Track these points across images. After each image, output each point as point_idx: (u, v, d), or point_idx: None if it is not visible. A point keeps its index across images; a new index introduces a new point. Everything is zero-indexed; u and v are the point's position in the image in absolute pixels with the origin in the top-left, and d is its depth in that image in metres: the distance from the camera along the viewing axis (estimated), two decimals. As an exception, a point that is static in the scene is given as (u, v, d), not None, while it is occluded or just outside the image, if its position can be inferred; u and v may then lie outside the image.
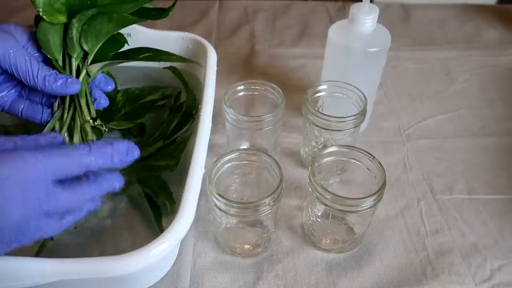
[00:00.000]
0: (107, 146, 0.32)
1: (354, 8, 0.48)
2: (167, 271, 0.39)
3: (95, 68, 0.41)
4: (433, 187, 0.51)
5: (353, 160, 0.43)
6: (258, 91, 0.50)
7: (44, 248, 0.40)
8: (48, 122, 0.40)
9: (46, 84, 0.36)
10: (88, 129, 0.38)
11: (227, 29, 0.78)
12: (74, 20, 0.40)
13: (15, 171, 0.27)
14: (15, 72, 0.36)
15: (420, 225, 0.47)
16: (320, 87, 0.49)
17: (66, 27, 0.40)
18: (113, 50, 0.42)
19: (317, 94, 0.49)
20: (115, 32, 0.41)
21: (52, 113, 0.40)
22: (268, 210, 0.38)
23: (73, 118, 0.39)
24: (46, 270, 0.29)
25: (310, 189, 0.40)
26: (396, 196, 0.50)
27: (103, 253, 0.30)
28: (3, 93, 0.39)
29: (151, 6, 0.44)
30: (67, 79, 0.37)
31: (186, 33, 0.52)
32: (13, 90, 0.40)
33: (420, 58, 0.72)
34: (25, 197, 0.28)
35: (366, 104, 0.45)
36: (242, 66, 0.69)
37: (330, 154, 0.42)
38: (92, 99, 0.40)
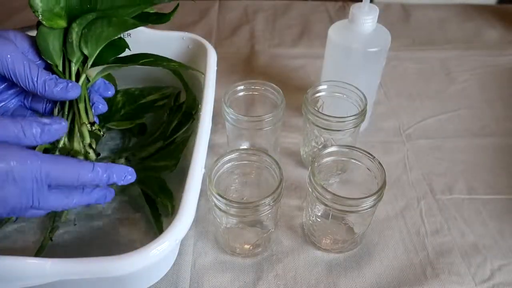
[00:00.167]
0: (109, 169, 0.34)
1: (354, 8, 0.48)
2: (167, 271, 0.39)
3: (94, 71, 0.41)
4: (433, 187, 0.51)
5: (353, 160, 0.43)
6: (258, 91, 0.50)
7: (44, 248, 0.40)
8: None
9: (47, 88, 0.36)
10: (86, 132, 0.38)
11: (227, 29, 0.78)
12: (74, 25, 0.39)
13: (19, 168, 0.29)
14: (13, 78, 0.35)
15: (420, 225, 0.47)
16: (320, 87, 0.49)
17: (66, 32, 0.40)
18: (114, 55, 0.41)
19: (317, 94, 0.49)
20: (115, 37, 0.40)
21: None
22: (268, 210, 0.38)
23: (72, 123, 0.39)
24: (46, 270, 0.29)
25: (310, 189, 0.40)
26: (396, 196, 0.50)
27: (103, 253, 0.30)
28: (5, 102, 0.39)
29: (151, 11, 0.43)
30: (67, 83, 0.37)
31: (186, 33, 0.52)
32: (14, 100, 0.40)
33: (420, 58, 0.72)
34: (20, 192, 0.30)
35: (366, 104, 0.45)
36: (242, 66, 0.70)
37: (330, 154, 0.42)
38: (91, 104, 0.40)
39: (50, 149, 0.38)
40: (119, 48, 0.42)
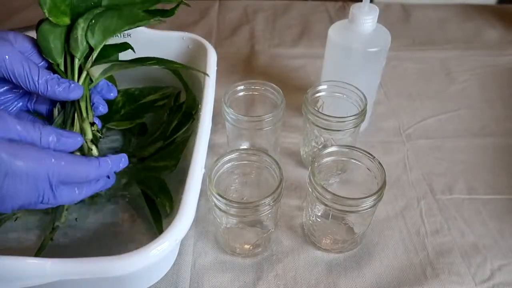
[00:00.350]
0: (110, 161, 0.36)
1: (354, 8, 0.48)
2: (167, 271, 0.39)
3: (97, 72, 0.41)
4: (433, 187, 0.51)
5: (353, 160, 0.43)
6: (258, 91, 0.50)
7: (44, 248, 0.40)
8: None
9: (49, 88, 0.36)
10: (88, 129, 0.38)
11: (227, 29, 0.78)
12: (80, 20, 0.40)
13: (33, 167, 0.30)
14: (13, 78, 0.35)
15: (420, 225, 0.47)
16: (320, 87, 0.49)
17: (69, 31, 0.40)
18: (117, 51, 0.42)
19: (317, 94, 0.49)
20: (123, 30, 0.41)
21: (53, 120, 0.40)
22: (268, 210, 0.38)
23: (72, 124, 0.39)
24: (46, 270, 0.29)
25: (310, 189, 0.40)
26: (396, 196, 0.50)
27: (103, 253, 0.30)
28: (7, 104, 0.39)
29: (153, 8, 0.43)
30: (70, 84, 0.37)
31: (186, 33, 0.52)
32: (18, 103, 0.40)
33: (420, 58, 0.72)
34: (31, 190, 0.31)
35: (366, 104, 0.45)
36: (242, 66, 0.70)
37: (330, 154, 0.42)
38: (91, 104, 0.40)
39: None
40: (123, 47, 0.43)
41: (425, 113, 0.61)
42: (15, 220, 0.43)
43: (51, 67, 0.40)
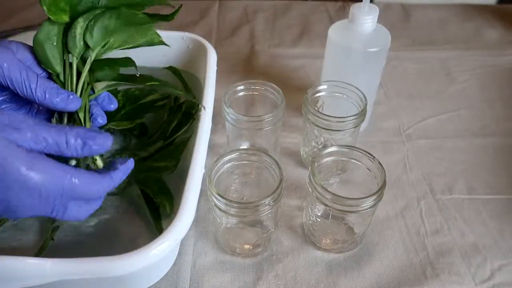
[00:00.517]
0: (120, 172, 0.35)
1: (354, 8, 0.48)
2: (167, 271, 0.39)
3: (100, 84, 0.41)
4: (433, 187, 0.51)
5: (353, 160, 0.43)
6: (258, 91, 0.50)
7: (45, 248, 0.40)
8: None
9: (47, 96, 0.35)
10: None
11: (227, 29, 0.78)
12: (80, 19, 0.39)
13: (47, 183, 0.29)
14: (10, 85, 0.35)
15: (420, 225, 0.47)
16: (320, 87, 0.49)
17: (67, 32, 0.40)
18: (119, 66, 0.42)
19: (317, 94, 0.49)
20: (121, 31, 0.41)
21: None
22: (268, 210, 0.38)
23: None
24: (46, 270, 0.29)
25: (310, 189, 0.40)
26: (396, 196, 0.50)
27: (103, 253, 0.30)
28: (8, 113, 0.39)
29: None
30: (68, 95, 0.37)
31: (186, 33, 0.52)
32: (19, 112, 0.39)
33: (420, 58, 0.72)
34: (44, 204, 0.30)
35: (366, 104, 0.45)
36: (242, 66, 0.70)
37: (330, 154, 0.42)
38: (90, 115, 0.40)
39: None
40: (124, 62, 0.43)
41: (425, 113, 0.61)
42: (15, 220, 0.43)
43: (51, 78, 0.39)
